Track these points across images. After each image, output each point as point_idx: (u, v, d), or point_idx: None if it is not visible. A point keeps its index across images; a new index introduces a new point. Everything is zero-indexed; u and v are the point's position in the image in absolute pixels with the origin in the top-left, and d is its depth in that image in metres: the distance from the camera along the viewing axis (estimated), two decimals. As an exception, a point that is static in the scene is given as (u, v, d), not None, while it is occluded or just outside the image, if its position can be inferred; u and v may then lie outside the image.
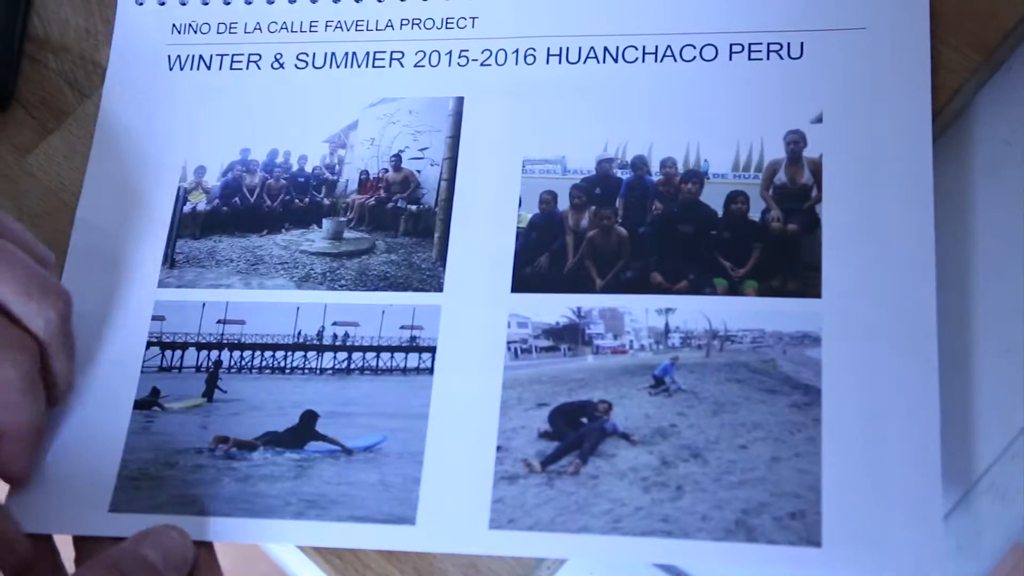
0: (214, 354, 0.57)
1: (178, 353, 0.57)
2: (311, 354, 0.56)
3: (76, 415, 0.55)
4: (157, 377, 0.57)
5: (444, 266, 0.56)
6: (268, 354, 0.57)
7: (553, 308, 0.54)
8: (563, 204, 0.56)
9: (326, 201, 0.59)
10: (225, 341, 0.57)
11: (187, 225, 0.60)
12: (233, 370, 0.57)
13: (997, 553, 0.51)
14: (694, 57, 0.57)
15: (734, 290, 0.53)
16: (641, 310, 0.53)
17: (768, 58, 0.56)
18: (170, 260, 0.59)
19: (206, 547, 0.52)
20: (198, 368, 0.57)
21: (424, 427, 0.53)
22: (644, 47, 0.58)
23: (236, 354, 0.57)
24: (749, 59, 0.56)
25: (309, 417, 0.55)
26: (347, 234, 0.58)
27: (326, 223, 0.59)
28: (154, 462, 0.54)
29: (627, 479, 0.50)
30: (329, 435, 0.54)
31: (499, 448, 0.52)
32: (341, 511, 0.52)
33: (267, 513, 0.52)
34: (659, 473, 0.50)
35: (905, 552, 0.47)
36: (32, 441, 0.53)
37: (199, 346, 0.57)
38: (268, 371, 0.56)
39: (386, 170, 0.59)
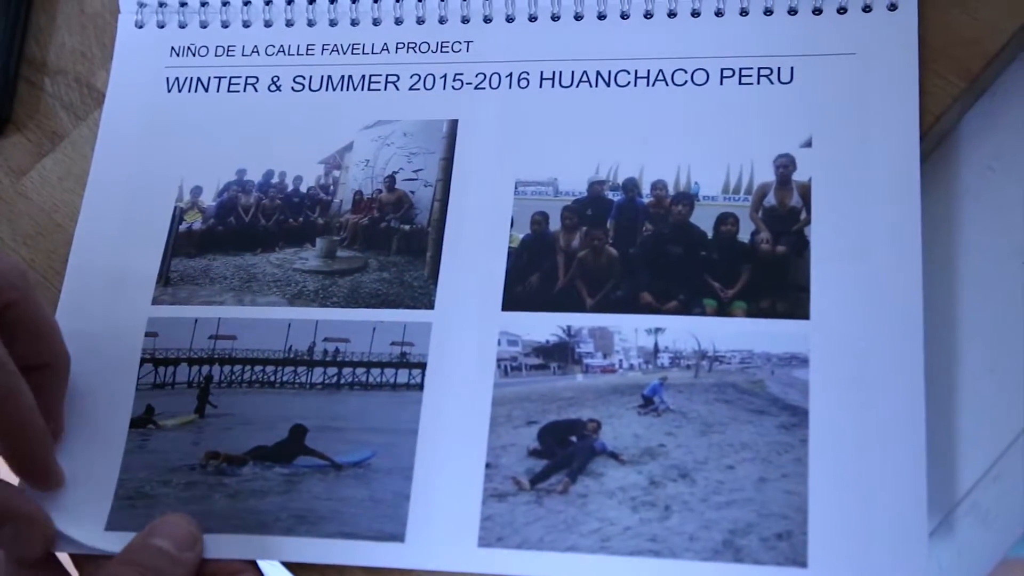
0: (205, 369, 0.57)
1: (170, 369, 0.57)
2: (301, 369, 0.57)
3: (75, 434, 0.55)
4: (151, 394, 0.57)
5: (436, 284, 0.56)
6: (258, 369, 0.57)
7: (543, 326, 0.55)
8: (555, 225, 0.57)
9: (320, 221, 0.60)
10: (216, 356, 0.57)
11: (182, 244, 0.60)
12: (224, 385, 0.57)
13: (980, 573, 0.51)
14: (685, 81, 0.58)
15: (723, 311, 0.53)
16: (631, 329, 0.54)
17: (758, 83, 0.57)
18: (165, 278, 0.59)
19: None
20: (190, 384, 0.57)
21: (413, 443, 0.53)
22: (636, 71, 0.59)
23: (227, 369, 0.57)
24: (740, 83, 0.57)
25: (298, 431, 0.55)
26: (340, 253, 0.59)
27: (319, 242, 0.59)
28: (149, 480, 0.55)
29: (616, 498, 0.50)
30: (318, 449, 0.54)
31: (488, 465, 0.52)
32: (330, 527, 0.52)
33: (257, 529, 0.52)
34: (647, 493, 0.50)
35: (890, 573, 0.47)
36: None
37: (191, 361, 0.57)
38: (258, 385, 0.57)
39: (380, 191, 0.60)
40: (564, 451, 0.52)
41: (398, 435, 0.54)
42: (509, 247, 0.57)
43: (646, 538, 0.49)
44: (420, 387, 0.54)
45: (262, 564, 0.55)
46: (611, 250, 0.56)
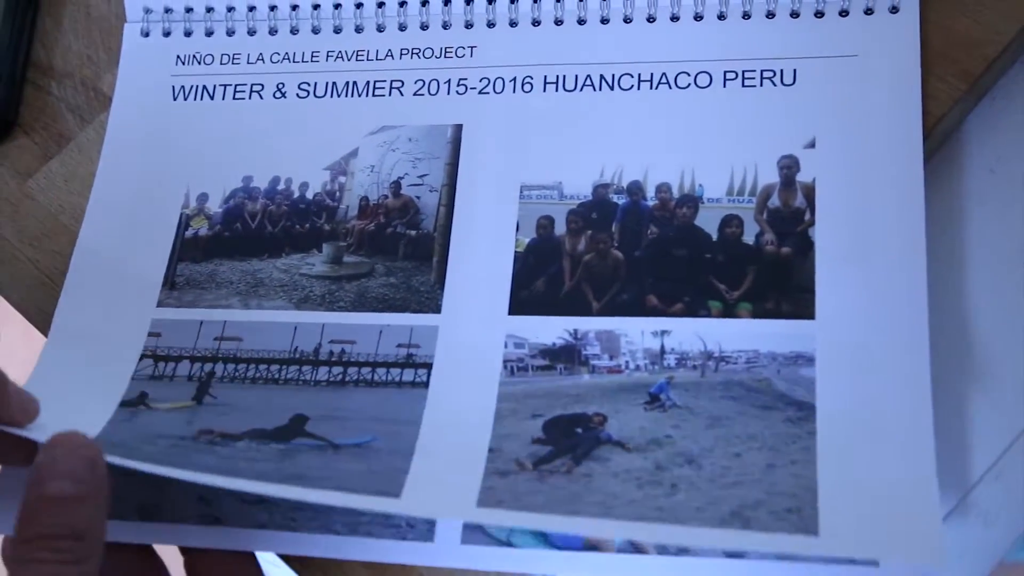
0: (208, 366, 0.57)
1: (171, 365, 0.57)
2: (306, 368, 0.56)
3: (53, 415, 0.52)
4: (147, 384, 0.56)
5: (442, 289, 0.57)
6: (263, 367, 0.57)
7: (550, 330, 0.55)
8: (560, 229, 0.57)
9: (326, 227, 0.60)
10: (220, 355, 0.57)
11: (189, 250, 0.60)
12: (226, 380, 0.57)
13: (980, 573, 0.51)
14: (688, 84, 0.58)
15: (729, 312, 0.54)
16: (637, 332, 0.54)
17: (761, 85, 0.57)
18: (170, 282, 0.59)
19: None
20: (190, 378, 0.57)
21: (416, 432, 0.53)
22: (639, 75, 0.59)
23: (230, 367, 0.57)
24: (743, 86, 0.57)
25: (299, 419, 0.54)
26: (347, 258, 0.59)
27: (326, 247, 0.60)
28: (133, 439, 0.54)
29: (620, 478, 0.50)
30: (318, 434, 0.54)
31: (491, 450, 0.52)
32: (324, 485, 0.50)
33: (245, 477, 0.50)
34: (653, 475, 0.50)
35: (903, 543, 0.46)
36: None
37: (193, 359, 0.57)
38: (262, 382, 0.56)
39: (386, 196, 0.60)
40: (569, 440, 0.52)
41: (401, 424, 0.53)
42: (515, 251, 0.57)
43: (652, 508, 0.48)
44: (426, 385, 0.54)
45: (265, 566, 0.55)
46: (616, 253, 0.56)
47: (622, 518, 0.48)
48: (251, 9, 0.64)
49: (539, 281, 0.56)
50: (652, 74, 0.59)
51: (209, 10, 0.64)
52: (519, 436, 0.52)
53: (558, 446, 0.52)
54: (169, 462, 0.50)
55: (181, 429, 0.55)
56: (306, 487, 0.50)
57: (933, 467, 0.47)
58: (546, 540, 0.51)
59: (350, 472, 0.52)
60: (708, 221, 0.56)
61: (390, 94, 0.62)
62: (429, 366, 0.55)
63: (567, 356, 0.54)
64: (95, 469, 0.44)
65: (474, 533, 0.51)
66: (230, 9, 0.64)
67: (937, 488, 0.47)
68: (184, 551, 0.53)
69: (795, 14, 0.58)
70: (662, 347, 0.53)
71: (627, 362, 0.54)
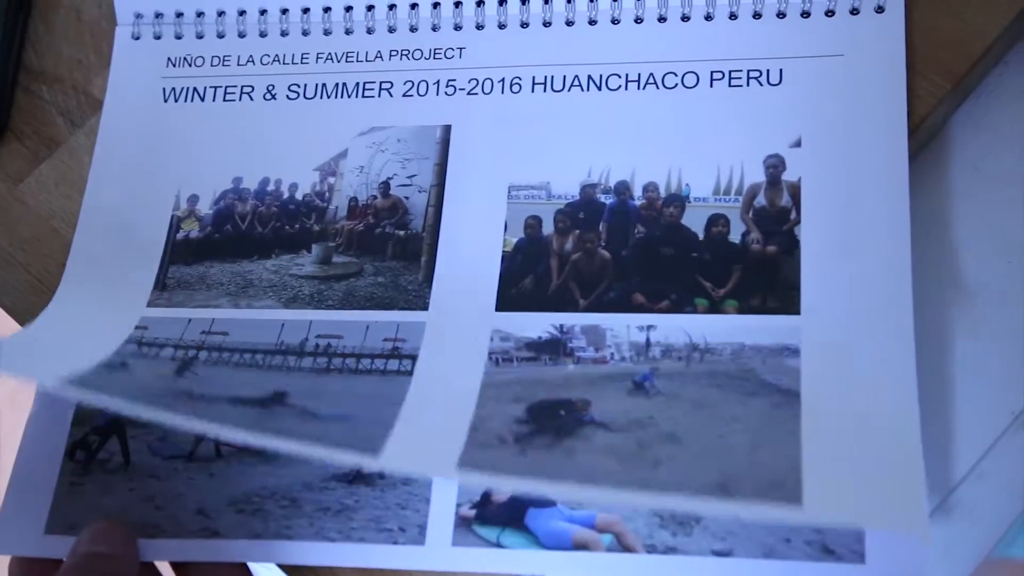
0: (192, 353, 0.57)
1: (154, 349, 0.57)
2: (291, 358, 0.56)
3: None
4: (130, 358, 0.56)
5: (430, 287, 0.57)
6: (247, 355, 0.56)
7: (536, 325, 0.55)
8: (548, 228, 0.57)
9: (316, 227, 0.60)
10: (206, 346, 0.57)
11: (180, 252, 0.61)
12: (209, 363, 0.56)
13: (965, 570, 0.51)
14: (676, 84, 0.59)
15: (715, 310, 0.54)
16: (623, 326, 0.54)
17: (748, 85, 0.58)
18: (161, 284, 0.60)
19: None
20: (173, 359, 0.56)
21: (398, 411, 0.52)
22: (627, 75, 0.59)
23: (215, 354, 0.57)
24: (729, 86, 0.58)
25: (279, 395, 0.54)
26: (336, 258, 0.59)
27: (315, 248, 0.60)
28: (109, 385, 0.53)
29: (602, 453, 0.49)
30: (299, 405, 0.53)
31: (473, 428, 0.51)
32: (303, 444, 0.49)
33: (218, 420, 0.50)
34: (636, 452, 0.49)
35: (888, 511, 0.45)
36: None
37: (178, 347, 0.57)
38: (245, 366, 0.56)
39: (375, 197, 0.60)
40: (552, 422, 0.51)
41: (383, 402, 0.53)
42: (503, 251, 0.57)
43: (635, 479, 0.48)
44: (410, 373, 0.54)
45: (255, 567, 0.55)
46: (604, 252, 0.56)
47: (606, 486, 0.48)
48: (241, 13, 0.64)
49: (526, 280, 0.56)
50: (639, 74, 0.59)
51: (199, 14, 0.65)
52: (501, 416, 0.52)
53: (540, 426, 0.51)
54: (147, 399, 0.50)
55: (161, 390, 0.54)
56: (285, 439, 0.49)
57: (918, 441, 0.47)
58: (536, 541, 0.51)
59: (330, 432, 0.51)
60: (695, 220, 0.56)
61: (379, 95, 0.62)
62: (414, 357, 0.55)
63: (552, 348, 0.54)
64: (127, 540, 0.53)
65: (465, 535, 0.51)
66: (220, 13, 0.64)
67: (922, 459, 0.46)
68: (175, 565, 0.53)
69: (781, 14, 0.58)
70: (647, 340, 0.54)
71: (612, 353, 0.54)
